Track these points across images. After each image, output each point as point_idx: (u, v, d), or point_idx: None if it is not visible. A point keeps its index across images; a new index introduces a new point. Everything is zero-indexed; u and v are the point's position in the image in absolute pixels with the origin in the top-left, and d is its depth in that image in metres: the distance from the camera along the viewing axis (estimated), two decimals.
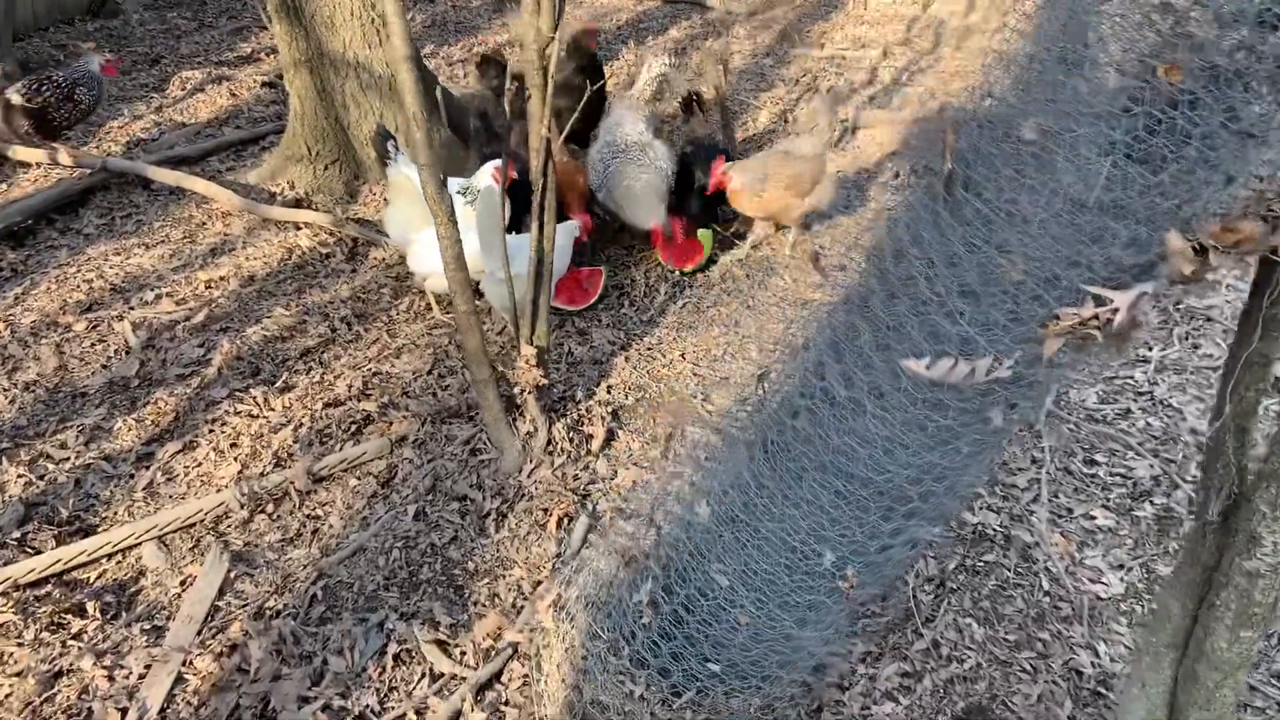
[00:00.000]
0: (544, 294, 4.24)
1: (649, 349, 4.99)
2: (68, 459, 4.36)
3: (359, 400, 4.62)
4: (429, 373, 4.81)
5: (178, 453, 4.39)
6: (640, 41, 9.47)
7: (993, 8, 8.94)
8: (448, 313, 5.31)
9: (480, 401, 4.17)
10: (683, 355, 4.93)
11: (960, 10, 9.50)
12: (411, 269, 5.19)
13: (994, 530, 3.83)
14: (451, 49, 9.56)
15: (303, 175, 6.93)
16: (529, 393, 4.19)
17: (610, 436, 4.36)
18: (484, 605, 3.62)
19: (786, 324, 5.09)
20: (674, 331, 5.14)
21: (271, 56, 9.30)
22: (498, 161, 5.00)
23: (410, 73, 3.52)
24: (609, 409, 4.51)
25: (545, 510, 3.95)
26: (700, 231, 5.75)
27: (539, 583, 3.66)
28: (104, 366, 5.06)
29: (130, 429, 4.56)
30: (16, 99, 6.53)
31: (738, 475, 2.89)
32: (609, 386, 4.69)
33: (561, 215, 4.72)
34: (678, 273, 5.61)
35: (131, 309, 5.50)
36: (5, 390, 4.80)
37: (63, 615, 3.59)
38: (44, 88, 6.57)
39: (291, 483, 4.10)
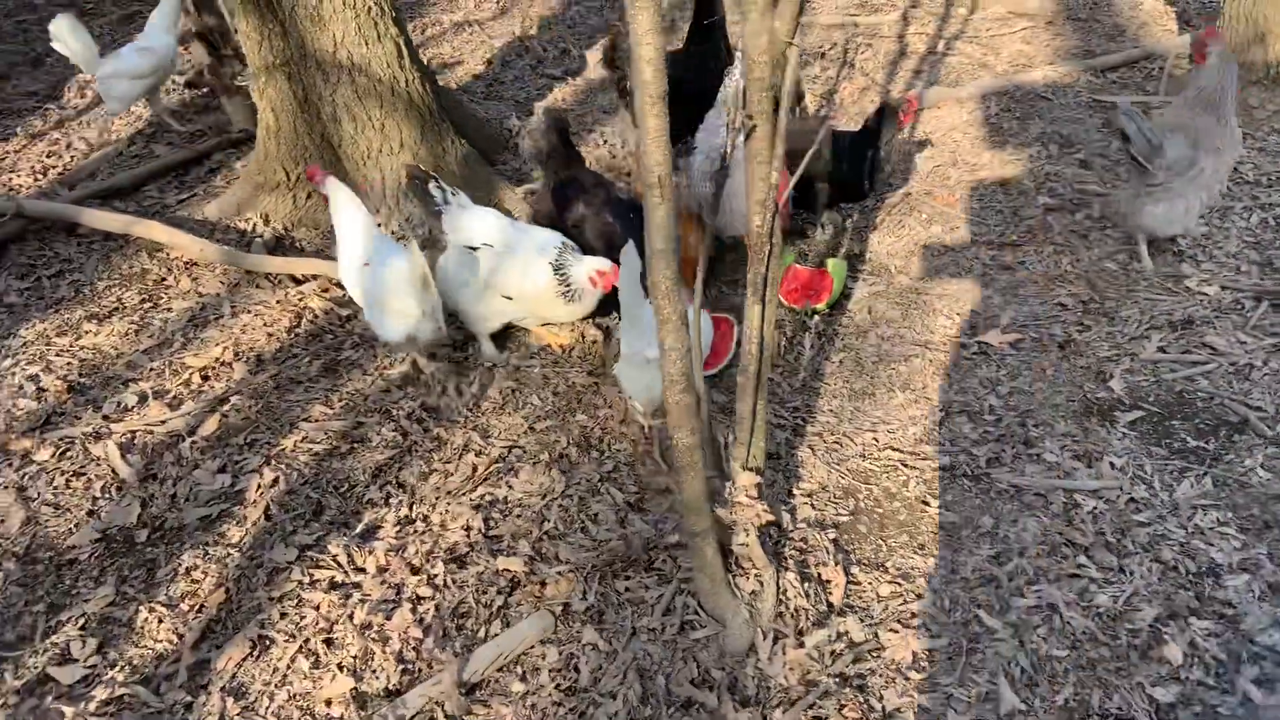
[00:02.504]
0: (763, 399, 3.07)
1: (829, 430, 3.86)
2: (77, 692, 3.00)
3: (488, 551, 3.36)
4: (564, 494, 3.58)
5: (245, 659, 3.07)
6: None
7: None
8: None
9: (694, 560, 2.98)
10: (875, 437, 3.82)
11: None
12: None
13: None
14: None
15: (279, 206, 5.52)
16: (749, 535, 3.02)
17: (846, 578, 3.23)
18: None
19: (993, 381, 4.01)
20: (846, 401, 4.02)
21: (185, 48, 7.63)
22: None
23: (658, 109, 2.26)
24: (827, 534, 3.37)
25: None
26: (830, 261, 4.62)
27: None
28: (91, 513, 3.68)
29: (161, 621, 3.22)
30: None
31: None
32: (808, 495, 3.54)
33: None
34: (807, 315, 4.47)
35: (108, 420, 4.08)
36: None
37: None
38: None
39: (439, 705, 2.85)
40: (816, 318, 4.47)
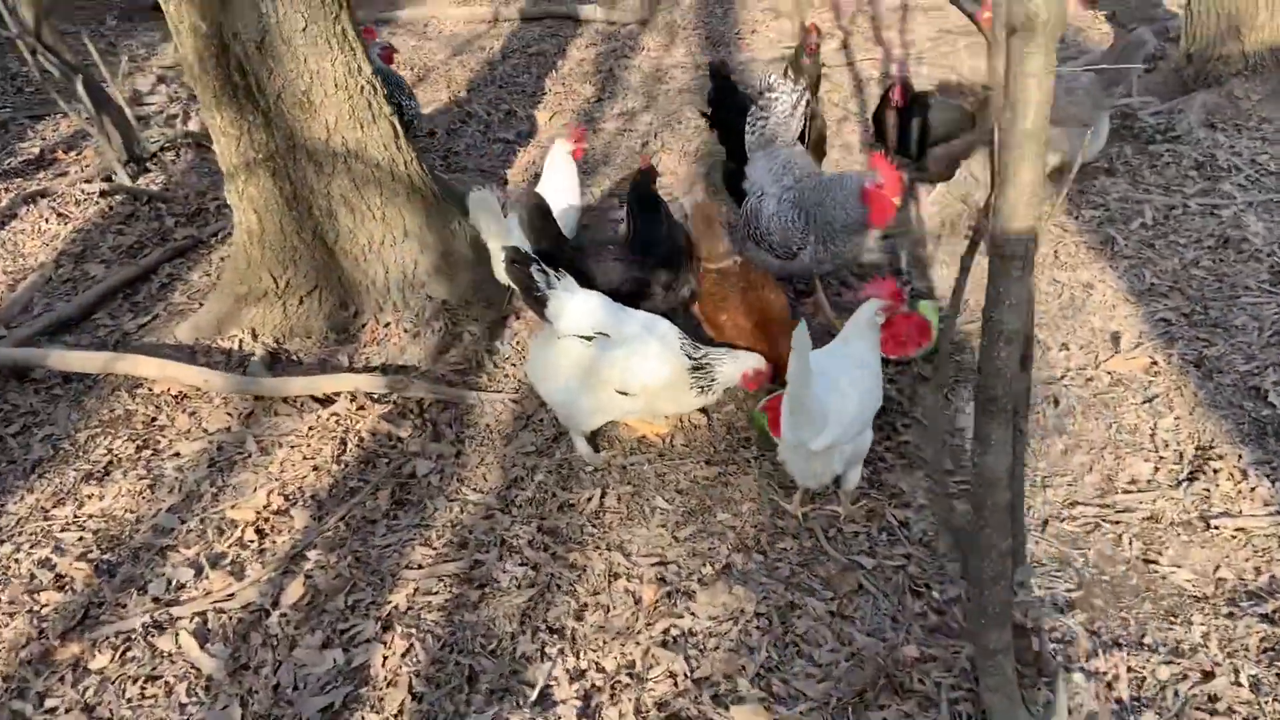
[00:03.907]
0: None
1: None
2: None
3: (711, 699, 2.84)
4: (757, 614, 3.09)
5: None
6: (553, 71, 7.78)
7: None
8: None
9: (991, 679, 2.55)
10: (1055, 494, 3.47)
11: None
12: None
13: None
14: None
15: (267, 317, 4.86)
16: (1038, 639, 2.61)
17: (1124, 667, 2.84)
18: None
19: (1150, 411, 3.73)
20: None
21: (77, 154, 6.82)
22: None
23: (1034, 160, 1.84)
24: (1075, 617, 2.98)
25: None
26: (922, 303, 4.28)
27: None
28: None
29: None
30: None
31: None
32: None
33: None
34: (907, 364, 4.12)
35: (162, 603, 3.37)
36: None
37: None
38: None
39: None
40: (909, 366, 4.11)
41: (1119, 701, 2.73)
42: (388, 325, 4.80)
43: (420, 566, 3.41)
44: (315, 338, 4.80)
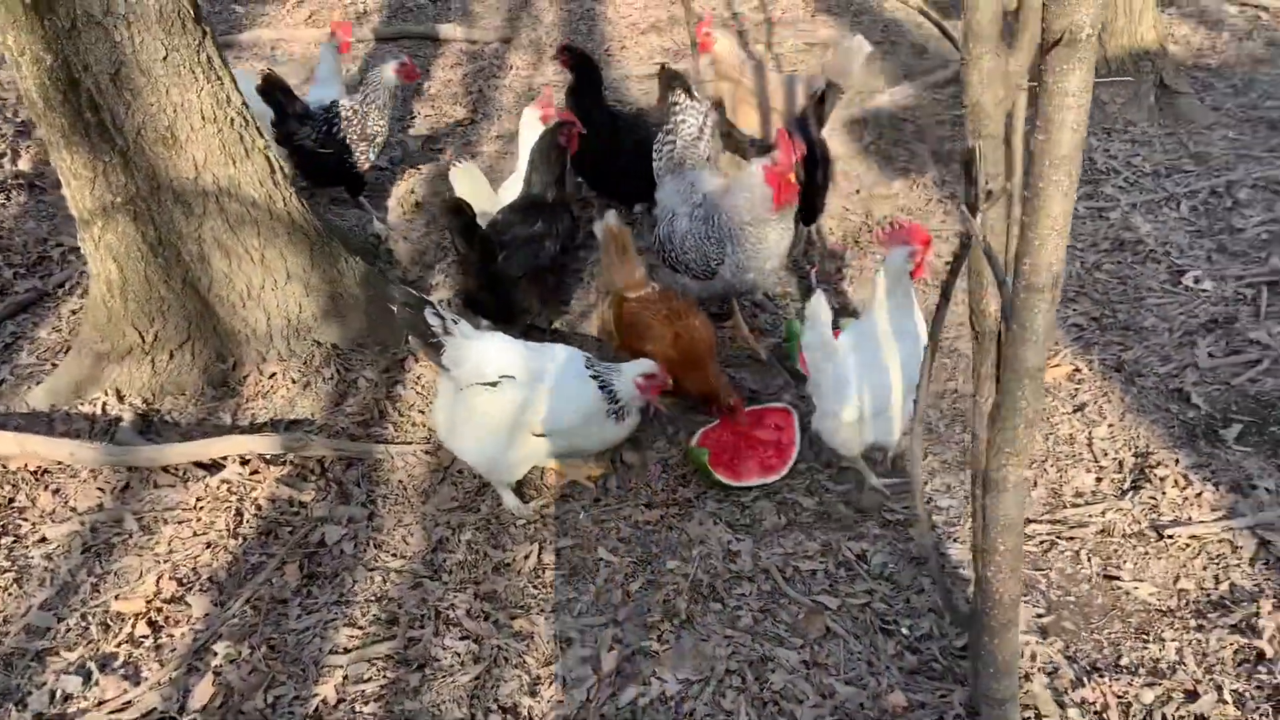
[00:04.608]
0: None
1: (951, 513, 3.40)
2: None
3: None
4: (728, 671, 2.88)
5: None
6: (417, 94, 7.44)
7: None
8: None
9: None
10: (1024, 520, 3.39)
11: None
12: None
13: None
14: None
15: (134, 376, 4.42)
16: (1034, 681, 2.49)
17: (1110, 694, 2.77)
18: None
19: (1083, 420, 3.70)
20: (947, 476, 3.59)
21: None
22: None
23: (1067, 189, 1.70)
24: (1053, 645, 2.90)
25: None
26: (845, 323, 4.16)
27: None
28: None
29: None
30: None
31: None
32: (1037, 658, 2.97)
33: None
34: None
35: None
36: None
37: None
38: None
39: None
40: None
41: None
42: (273, 376, 4.41)
43: (347, 650, 3.07)
44: (190, 395, 4.37)
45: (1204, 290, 4.30)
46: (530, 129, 4.78)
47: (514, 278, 4.11)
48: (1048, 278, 1.73)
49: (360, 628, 3.14)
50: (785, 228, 3.90)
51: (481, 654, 3.01)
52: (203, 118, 3.99)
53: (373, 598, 3.25)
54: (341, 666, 3.01)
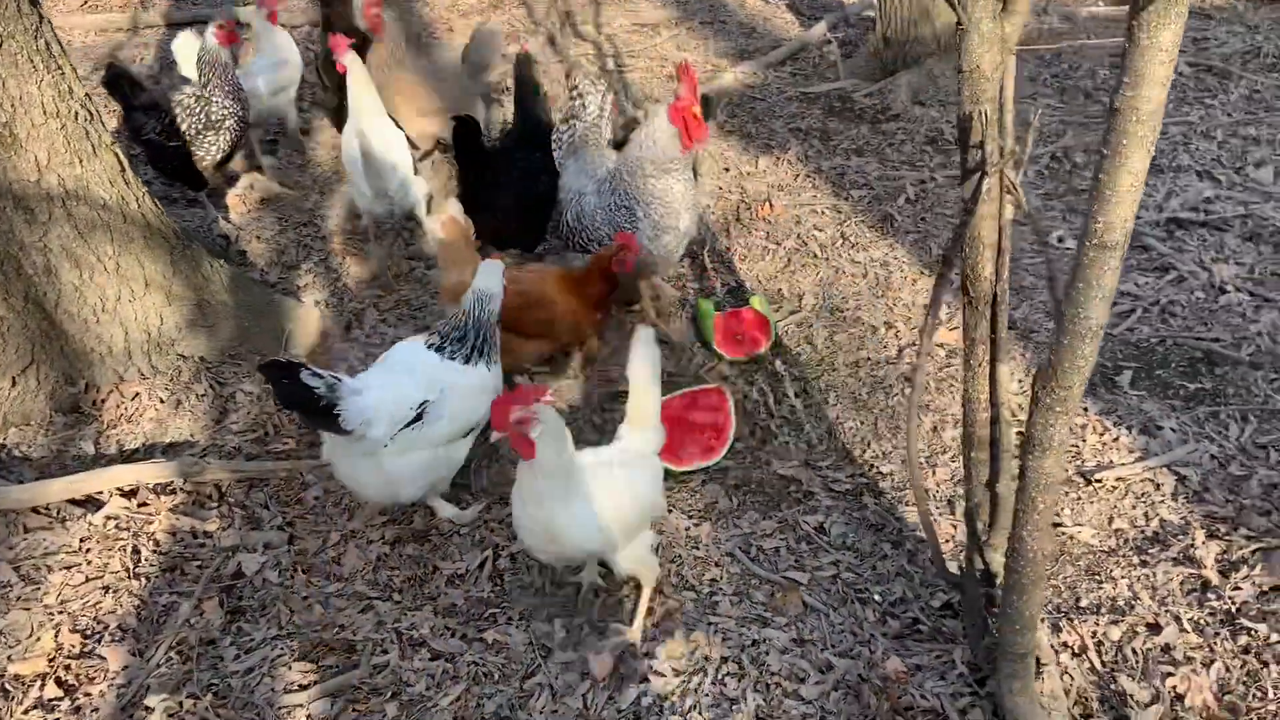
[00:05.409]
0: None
1: (895, 478, 3.47)
2: None
3: None
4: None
5: None
6: None
7: None
8: None
9: (1014, 682, 2.47)
10: (949, 473, 3.49)
11: None
12: None
13: None
14: None
15: None
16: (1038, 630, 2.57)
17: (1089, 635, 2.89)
18: None
19: None
20: (885, 443, 3.65)
21: None
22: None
23: (1142, 156, 1.72)
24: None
25: None
26: (754, 299, 4.20)
27: None
28: None
29: None
30: None
31: None
32: None
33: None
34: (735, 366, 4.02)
35: None
36: None
37: None
38: None
39: None
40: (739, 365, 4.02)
41: (1094, 671, 2.73)
42: (136, 397, 3.99)
43: (303, 687, 2.80)
44: (38, 424, 3.89)
45: (1069, 249, 4.55)
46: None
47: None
48: (1121, 235, 1.75)
49: (313, 660, 2.87)
50: (689, 179, 3.81)
51: (458, 672, 2.81)
52: (44, 112, 3.56)
53: (320, 626, 2.97)
54: (302, 705, 2.74)
